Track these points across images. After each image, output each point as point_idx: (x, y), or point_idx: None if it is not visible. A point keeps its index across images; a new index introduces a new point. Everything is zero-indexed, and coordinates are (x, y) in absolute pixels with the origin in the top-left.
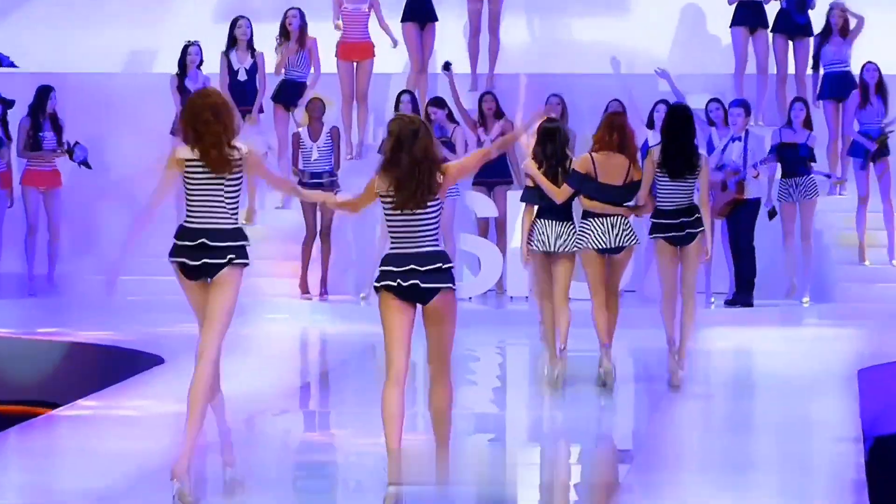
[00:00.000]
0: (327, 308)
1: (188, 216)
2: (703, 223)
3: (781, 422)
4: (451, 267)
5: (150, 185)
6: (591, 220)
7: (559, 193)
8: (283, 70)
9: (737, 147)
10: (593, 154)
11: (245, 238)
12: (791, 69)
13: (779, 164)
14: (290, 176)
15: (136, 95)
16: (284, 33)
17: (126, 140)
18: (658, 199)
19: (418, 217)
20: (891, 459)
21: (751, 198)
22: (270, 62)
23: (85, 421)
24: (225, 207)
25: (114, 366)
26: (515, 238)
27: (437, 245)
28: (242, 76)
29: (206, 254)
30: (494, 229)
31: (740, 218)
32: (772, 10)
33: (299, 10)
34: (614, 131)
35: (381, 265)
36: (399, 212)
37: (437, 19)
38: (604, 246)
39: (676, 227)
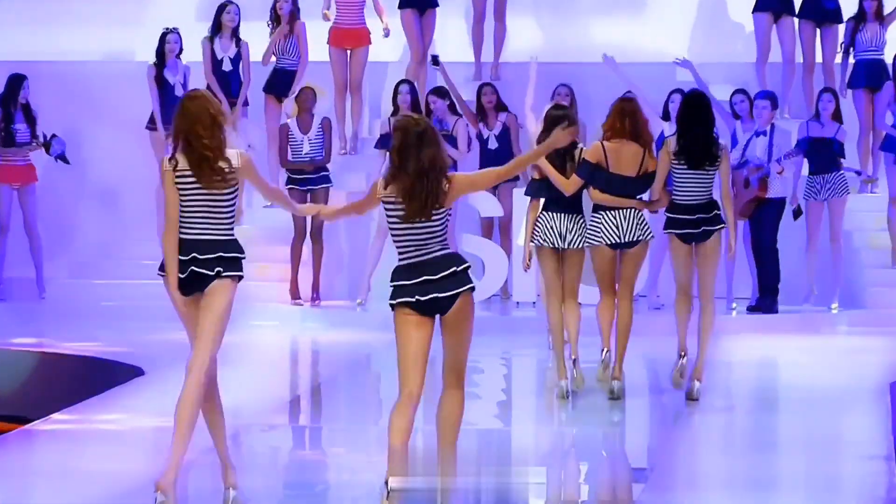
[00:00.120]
0: (319, 314)
1: (182, 227)
2: (724, 220)
3: (807, 438)
4: (468, 266)
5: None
6: (603, 213)
7: (568, 185)
8: (271, 59)
9: (761, 142)
10: (605, 143)
11: (240, 250)
12: (818, 58)
13: (805, 160)
14: (279, 170)
15: (114, 85)
16: (275, 18)
17: (103, 132)
18: (674, 192)
19: (424, 225)
20: None
21: (775, 196)
22: (256, 52)
23: (60, 437)
24: (220, 217)
25: (90, 378)
26: (521, 236)
27: (446, 249)
28: (227, 66)
29: (197, 264)
30: (498, 230)
31: (763, 218)
32: None
33: None
34: (626, 117)
35: (393, 280)
36: (404, 222)
37: (437, 5)
38: (616, 240)
39: (692, 224)
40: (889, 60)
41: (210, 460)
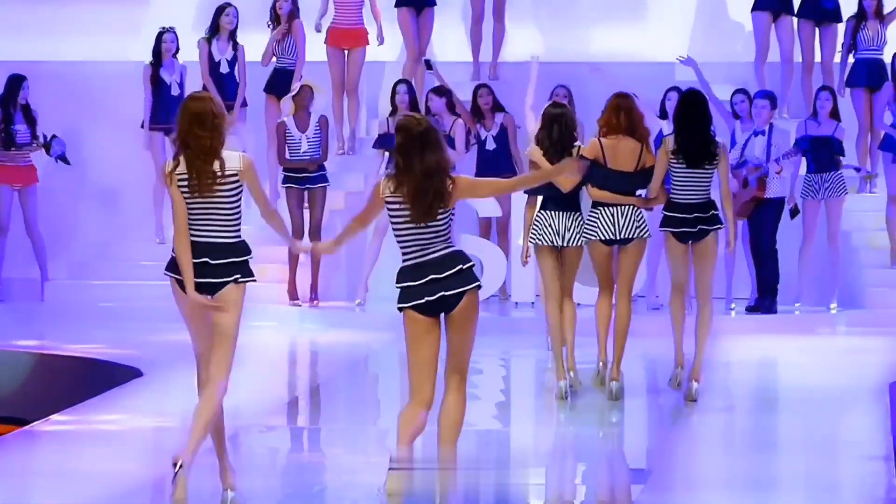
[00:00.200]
0: (318, 315)
1: (190, 229)
2: (721, 220)
3: (806, 438)
4: (473, 265)
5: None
6: (600, 209)
7: (566, 182)
8: (270, 59)
9: (759, 142)
10: (602, 140)
11: (248, 252)
12: (817, 57)
13: (803, 159)
14: (278, 168)
15: (114, 86)
16: (275, 18)
17: (102, 133)
18: (672, 191)
19: (430, 226)
20: None
21: (774, 196)
22: (252, 54)
23: (59, 437)
24: (226, 220)
25: (88, 379)
26: (521, 236)
27: (450, 247)
28: (224, 68)
29: (208, 272)
30: (496, 230)
31: (762, 218)
32: None
33: None
34: (621, 113)
35: (399, 281)
36: (410, 223)
37: (435, 3)
38: (611, 237)
39: (689, 223)
40: (888, 60)
41: (209, 462)
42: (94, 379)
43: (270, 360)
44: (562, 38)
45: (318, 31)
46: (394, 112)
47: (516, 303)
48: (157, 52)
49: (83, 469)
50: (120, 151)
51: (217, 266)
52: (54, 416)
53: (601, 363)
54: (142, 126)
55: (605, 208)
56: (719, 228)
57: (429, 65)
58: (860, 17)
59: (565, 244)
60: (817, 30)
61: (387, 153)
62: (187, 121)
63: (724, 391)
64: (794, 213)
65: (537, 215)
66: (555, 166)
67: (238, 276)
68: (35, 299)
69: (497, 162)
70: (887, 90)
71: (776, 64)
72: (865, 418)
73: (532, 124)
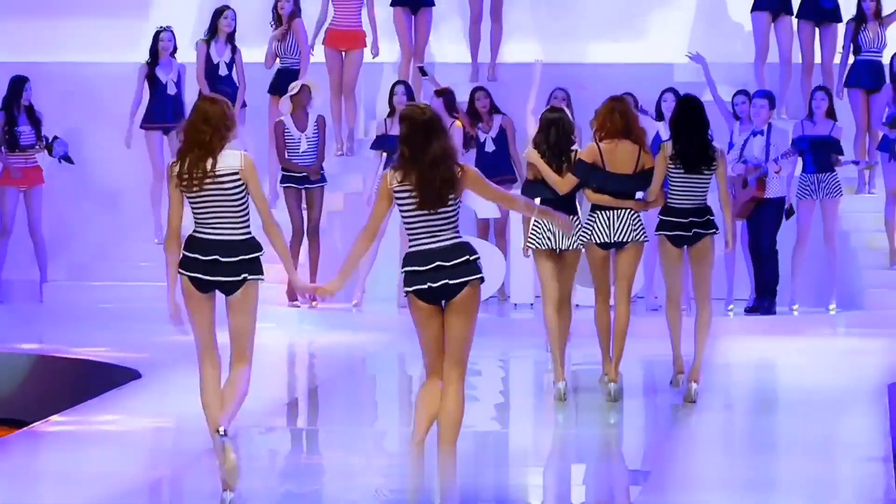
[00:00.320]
0: (316, 316)
1: (197, 227)
2: (717, 225)
3: (805, 439)
4: (478, 257)
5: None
6: (598, 213)
7: (563, 184)
8: (273, 61)
9: (758, 142)
10: (599, 143)
11: (259, 248)
12: (817, 58)
13: (799, 159)
14: (278, 168)
15: (114, 87)
16: (277, 18)
17: (101, 134)
18: (669, 195)
19: (439, 212)
20: None
21: (773, 197)
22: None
23: (59, 439)
24: (233, 217)
25: (87, 381)
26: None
27: (458, 237)
28: (223, 70)
29: (220, 269)
30: (494, 232)
31: (762, 219)
32: None
33: None
34: (616, 115)
35: (405, 265)
36: (419, 210)
37: (432, 4)
38: (606, 240)
39: (684, 227)
40: (887, 62)
41: (208, 464)
42: (93, 380)
43: (269, 362)
44: (560, 40)
45: (312, 47)
46: (391, 113)
47: (515, 304)
48: (153, 51)
49: (82, 470)
50: (118, 152)
51: (229, 263)
52: (53, 418)
53: (606, 375)
54: (141, 125)
55: (603, 212)
56: (714, 233)
57: (423, 71)
58: (860, 19)
59: (564, 248)
60: (817, 30)
61: (385, 154)
62: (196, 118)
63: (723, 392)
64: (788, 213)
65: (534, 220)
66: (550, 214)
67: (246, 274)
68: (34, 300)
69: (496, 164)
70: (886, 92)
71: (776, 64)
72: (864, 419)
73: (532, 127)
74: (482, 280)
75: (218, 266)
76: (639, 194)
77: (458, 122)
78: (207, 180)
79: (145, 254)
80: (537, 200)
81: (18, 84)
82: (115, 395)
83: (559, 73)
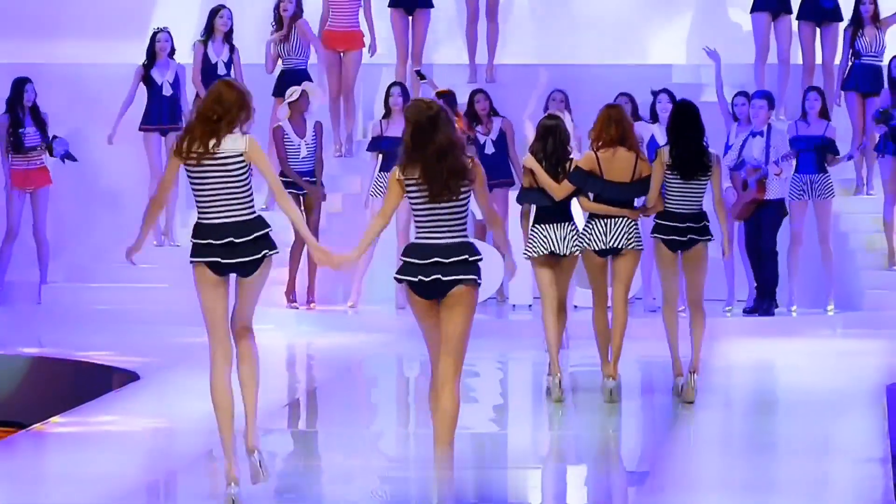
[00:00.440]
0: (315, 318)
1: (202, 213)
2: (712, 232)
3: (803, 441)
4: (479, 259)
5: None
6: (596, 220)
7: (559, 190)
8: (275, 64)
9: (758, 143)
10: (597, 153)
11: (267, 225)
12: (819, 59)
13: (793, 161)
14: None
15: (114, 87)
16: (278, 20)
17: (102, 135)
18: (666, 200)
19: (449, 207)
20: None
21: (773, 198)
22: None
23: (57, 441)
24: (239, 199)
25: (85, 383)
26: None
27: (464, 236)
28: (221, 69)
29: (237, 251)
30: (491, 233)
31: (762, 221)
32: None
33: None
34: (612, 124)
35: (404, 255)
36: (429, 202)
37: (430, 5)
38: (602, 247)
39: (680, 232)
40: (886, 64)
41: (207, 465)
42: (92, 382)
43: (267, 363)
44: (558, 41)
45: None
46: (387, 114)
47: (514, 305)
48: (151, 52)
49: (82, 471)
50: (118, 154)
51: (243, 244)
52: (52, 420)
53: (606, 380)
54: (140, 127)
55: (600, 219)
56: (709, 240)
57: (421, 75)
58: (857, 23)
59: (561, 254)
60: (818, 30)
61: (381, 155)
62: (210, 97)
63: (721, 393)
64: (782, 214)
65: (532, 229)
66: (510, 256)
67: (266, 250)
68: (32, 302)
69: (496, 167)
70: (885, 96)
71: (776, 65)
72: (862, 421)
73: (530, 132)
74: (476, 283)
75: (235, 248)
76: (637, 201)
77: (458, 124)
78: (207, 159)
79: (144, 256)
80: (533, 208)
81: (20, 85)
82: (114, 397)
83: (557, 74)
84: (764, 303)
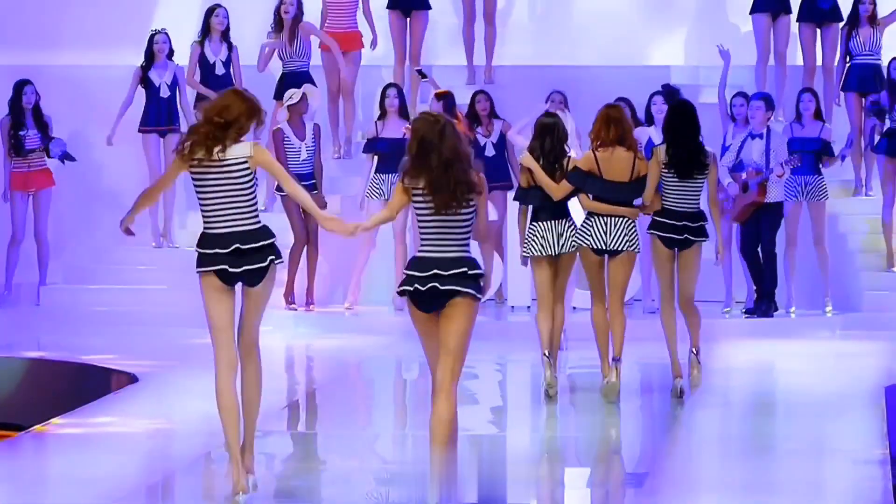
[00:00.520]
0: (313, 320)
1: (208, 222)
2: (708, 231)
3: (802, 442)
4: (479, 274)
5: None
6: (594, 218)
7: (557, 190)
8: (266, 64)
9: (757, 145)
10: (596, 152)
11: (273, 234)
12: (819, 61)
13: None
14: None
15: (113, 89)
16: (278, 22)
17: (99, 137)
18: (663, 198)
19: (454, 219)
20: None
21: (772, 201)
22: (246, 55)
23: (55, 443)
24: (244, 207)
25: (83, 385)
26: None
27: (465, 251)
28: (220, 69)
29: (243, 259)
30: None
31: (762, 223)
32: None
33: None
34: (611, 124)
35: (407, 268)
36: (434, 213)
37: (428, 7)
38: (599, 246)
39: (677, 230)
40: (885, 63)
41: (206, 467)
42: (90, 384)
43: (267, 365)
44: (556, 42)
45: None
46: (382, 116)
47: (512, 307)
48: (149, 53)
49: (81, 473)
50: (116, 156)
51: (250, 251)
52: (51, 421)
53: (606, 381)
54: (139, 129)
55: (599, 217)
56: (705, 240)
57: (422, 74)
58: (853, 23)
59: (560, 251)
60: (818, 31)
61: (376, 157)
62: (218, 105)
63: (720, 395)
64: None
65: (530, 227)
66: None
67: (273, 258)
68: (31, 303)
69: (496, 169)
70: (884, 97)
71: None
72: (861, 422)
73: (521, 142)
74: (476, 297)
75: (242, 256)
76: (637, 200)
77: (458, 126)
78: (212, 166)
79: (142, 258)
80: (530, 207)
81: (19, 87)
82: (113, 399)
83: (556, 75)
84: (763, 304)
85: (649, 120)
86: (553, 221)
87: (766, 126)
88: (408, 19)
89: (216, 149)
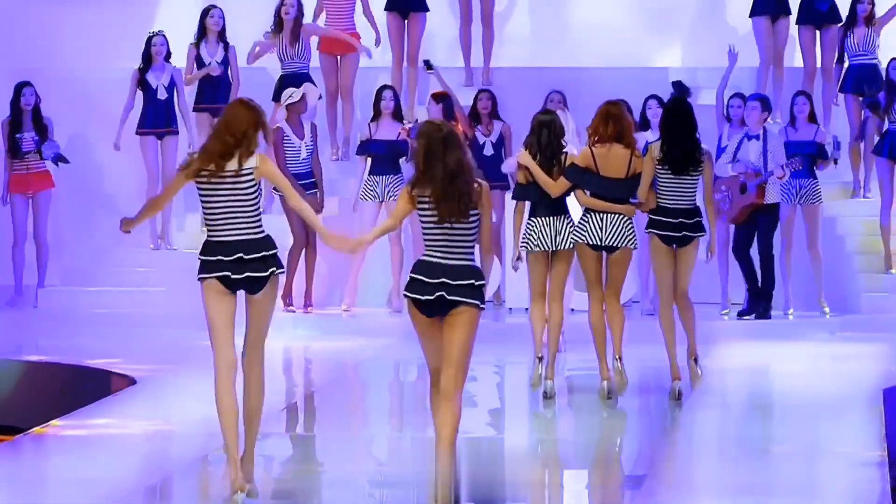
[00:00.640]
0: (311, 322)
1: (212, 230)
2: (705, 227)
3: (800, 444)
4: (484, 285)
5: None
6: (592, 214)
7: (555, 187)
8: (255, 59)
9: (754, 146)
10: (593, 148)
11: (275, 245)
12: (818, 63)
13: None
14: None
15: (114, 91)
16: (278, 23)
17: (97, 139)
18: (659, 196)
19: (458, 228)
20: None
21: (769, 202)
22: (244, 55)
23: (53, 445)
24: (247, 216)
25: (81, 387)
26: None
27: (471, 259)
28: (215, 70)
29: (246, 266)
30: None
31: (758, 224)
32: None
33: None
34: (610, 121)
35: (413, 271)
36: (438, 222)
37: (426, 9)
38: (598, 242)
39: (674, 227)
40: (884, 63)
41: (204, 469)
42: (88, 387)
43: (265, 367)
44: (555, 44)
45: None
46: (375, 118)
47: (510, 308)
48: (146, 55)
49: (79, 475)
50: (114, 158)
51: (252, 260)
52: (49, 424)
53: (605, 381)
54: (136, 131)
55: (598, 214)
56: (702, 236)
57: (429, 65)
58: (849, 24)
59: (557, 247)
60: (818, 33)
61: (369, 159)
62: (225, 121)
63: (718, 396)
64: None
65: (528, 222)
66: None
67: (274, 268)
68: (28, 305)
69: (493, 169)
70: (882, 97)
71: (786, 69)
72: (859, 424)
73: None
74: (480, 308)
75: (244, 264)
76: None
77: (457, 127)
78: (222, 180)
79: (140, 260)
80: (527, 203)
81: (18, 89)
82: (112, 401)
83: (553, 77)
84: (760, 306)
85: (644, 124)
86: (551, 218)
87: (763, 127)
88: (405, 21)
89: (228, 164)
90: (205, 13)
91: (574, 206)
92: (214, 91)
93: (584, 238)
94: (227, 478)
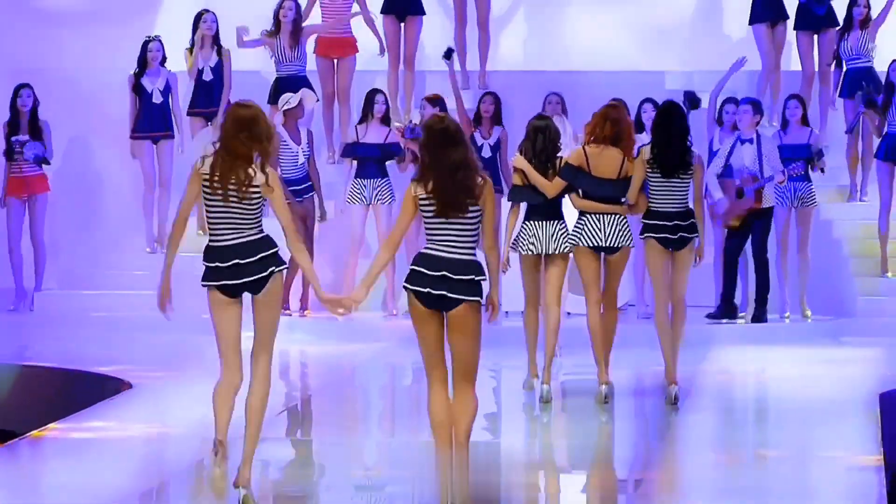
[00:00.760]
0: (307, 325)
1: (213, 234)
2: (698, 230)
3: (796, 448)
4: (484, 279)
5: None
6: (588, 216)
7: (551, 188)
8: (244, 43)
9: (748, 150)
10: (586, 147)
11: (275, 245)
12: (816, 67)
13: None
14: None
15: (111, 95)
16: (276, 25)
17: (94, 142)
18: (650, 199)
19: (459, 222)
20: None
21: (764, 206)
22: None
23: (50, 449)
24: (248, 222)
25: (78, 391)
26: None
27: (472, 254)
28: (208, 75)
29: (243, 271)
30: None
31: (754, 228)
32: (791, 3)
33: (296, 1)
34: (607, 122)
35: (414, 264)
36: (437, 216)
37: (422, 12)
38: (598, 244)
39: (670, 230)
40: (879, 66)
41: (202, 472)
42: (84, 390)
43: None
44: (551, 47)
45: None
46: (363, 120)
47: (506, 312)
48: (142, 60)
49: (76, 479)
50: (110, 161)
51: (250, 264)
52: (46, 427)
53: (603, 385)
54: (130, 135)
55: (593, 216)
56: (698, 237)
57: (448, 54)
58: (845, 27)
59: (551, 252)
60: (815, 37)
61: (355, 161)
62: (230, 126)
63: (714, 400)
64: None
65: (522, 225)
66: (496, 288)
67: (273, 267)
68: (25, 308)
69: (491, 171)
70: (880, 100)
71: (787, 73)
72: (856, 428)
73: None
74: (480, 304)
75: (241, 268)
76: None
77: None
78: (242, 188)
79: (137, 263)
80: (523, 205)
81: (16, 91)
82: (108, 405)
83: (550, 80)
84: (756, 310)
85: (639, 127)
86: (545, 221)
87: (755, 131)
88: (402, 24)
89: (243, 177)
90: (197, 18)
91: (569, 213)
92: (209, 95)
93: (583, 241)
94: (216, 467)
